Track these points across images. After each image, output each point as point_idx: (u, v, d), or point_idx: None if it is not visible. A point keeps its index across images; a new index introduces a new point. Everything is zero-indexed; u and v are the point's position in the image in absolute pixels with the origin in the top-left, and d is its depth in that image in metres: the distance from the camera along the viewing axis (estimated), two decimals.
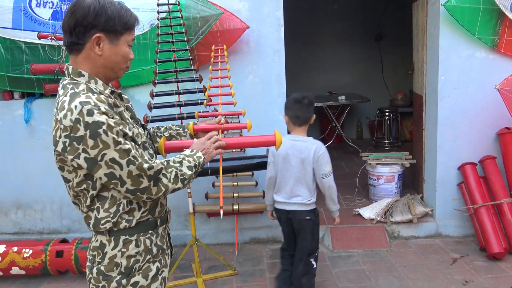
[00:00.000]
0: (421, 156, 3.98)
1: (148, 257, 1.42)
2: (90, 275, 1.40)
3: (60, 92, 1.33)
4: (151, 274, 1.42)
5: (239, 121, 3.45)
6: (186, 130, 1.74)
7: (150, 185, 1.31)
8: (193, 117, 3.02)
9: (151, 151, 1.47)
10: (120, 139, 1.26)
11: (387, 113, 6.28)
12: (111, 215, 1.35)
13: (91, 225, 1.38)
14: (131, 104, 1.53)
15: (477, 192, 3.37)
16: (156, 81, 3.05)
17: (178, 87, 3.07)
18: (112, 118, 1.26)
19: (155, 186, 1.32)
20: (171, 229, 1.70)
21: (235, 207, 3.49)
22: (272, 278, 3.11)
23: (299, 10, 6.65)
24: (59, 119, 1.25)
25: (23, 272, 3.19)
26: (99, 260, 1.38)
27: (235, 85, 3.47)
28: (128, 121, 1.38)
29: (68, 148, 1.24)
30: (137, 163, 1.27)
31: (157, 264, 1.45)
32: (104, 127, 1.23)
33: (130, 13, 1.38)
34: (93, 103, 1.24)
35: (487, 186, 3.44)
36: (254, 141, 1.68)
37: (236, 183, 3.51)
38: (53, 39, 3.27)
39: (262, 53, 3.51)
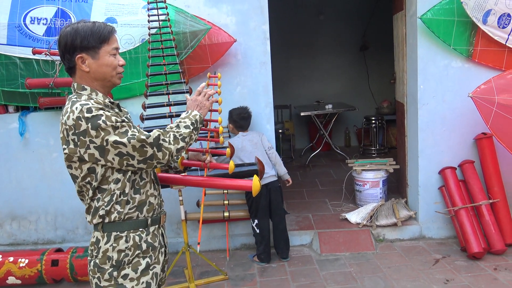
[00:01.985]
0: (404, 162, 4.14)
1: (137, 252, 1.57)
2: (89, 268, 1.58)
3: (66, 103, 1.54)
4: (141, 268, 1.57)
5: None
6: (176, 160, 1.90)
7: (154, 151, 1.49)
8: None
9: None
10: (118, 124, 1.46)
11: (373, 121, 6.46)
12: (105, 204, 1.53)
13: (91, 214, 1.55)
14: (129, 116, 1.70)
15: (457, 195, 3.52)
16: (147, 94, 3.17)
17: (169, 99, 3.20)
18: (109, 112, 1.47)
19: (160, 151, 1.50)
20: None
21: (226, 214, 3.61)
22: (263, 282, 3.23)
23: (286, 21, 6.84)
24: (63, 122, 1.48)
25: (19, 281, 3.27)
26: (95, 254, 1.56)
27: (223, 95, 3.62)
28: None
29: (78, 143, 1.46)
30: (135, 136, 1.46)
31: (147, 259, 1.59)
32: (103, 118, 1.44)
33: (103, 27, 1.55)
34: (91, 104, 1.46)
35: (467, 189, 3.59)
36: (232, 184, 1.83)
37: (226, 191, 3.63)
38: (48, 54, 3.38)
39: (249, 65, 3.66)
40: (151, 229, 1.62)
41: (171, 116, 3.11)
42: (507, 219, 3.48)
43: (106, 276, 1.53)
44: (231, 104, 3.60)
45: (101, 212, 1.53)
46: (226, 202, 3.63)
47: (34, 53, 3.41)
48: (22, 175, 3.81)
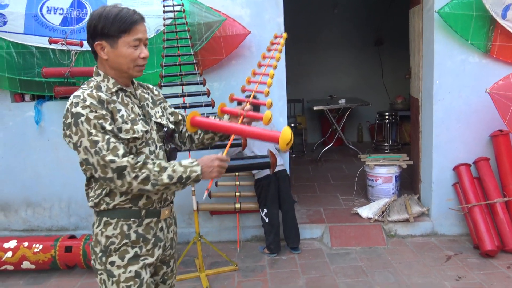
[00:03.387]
0: (417, 158, 4.10)
1: (125, 241, 1.54)
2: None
3: None
4: (128, 256, 1.55)
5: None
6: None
7: (114, 177, 1.42)
8: None
9: (152, 148, 1.57)
10: (93, 130, 1.41)
11: (386, 117, 6.40)
12: (95, 196, 1.55)
13: (87, 198, 1.60)
14: (151, 98, 1.68)
15: (471, 192, 3.48)
16: (162, 84, 3.19)
17: (183, 89, 3.22)
18: (95, 112, 1.43)
19: (119, 180, 1.42)
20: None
21: (237, 205, 3.62)
22: (273, 273, 3.24)
23: (300, 14, 6.79)
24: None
25: (33, 266, 3.33)
26: (93, 237, 1.59)
27: (236, 89, 3.63)
28: (119, 117, 1.48)
29: (63, 132, 1.48)
30: (101, 154, 1.41)
31: (136, 249, 1.56)
32: (83, 118, 1.42)
33: (128, 16, 1.48)
34: (82, 97, 1.44)
35: (481, 186, 3.55)
36: (261, 133, 1.54)
37: (238, 183, 3.64)
38: (64, 44, 3.41)
39: None
40: (146, 221, 1.58)
41: (184, 107, 3.13)
42: None
43: (98, 260, 1.56)
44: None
45: (90, 204, 1.57)
46: (237, 193, 3.64)
47: (50, 42, 3.45)
48: (37, 163, 3.87)
